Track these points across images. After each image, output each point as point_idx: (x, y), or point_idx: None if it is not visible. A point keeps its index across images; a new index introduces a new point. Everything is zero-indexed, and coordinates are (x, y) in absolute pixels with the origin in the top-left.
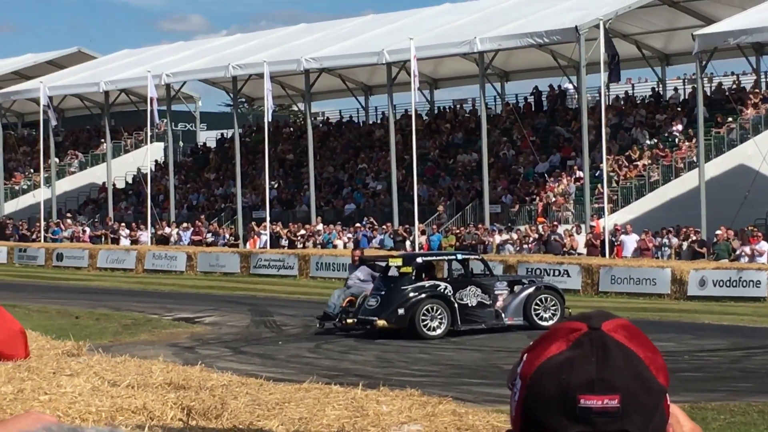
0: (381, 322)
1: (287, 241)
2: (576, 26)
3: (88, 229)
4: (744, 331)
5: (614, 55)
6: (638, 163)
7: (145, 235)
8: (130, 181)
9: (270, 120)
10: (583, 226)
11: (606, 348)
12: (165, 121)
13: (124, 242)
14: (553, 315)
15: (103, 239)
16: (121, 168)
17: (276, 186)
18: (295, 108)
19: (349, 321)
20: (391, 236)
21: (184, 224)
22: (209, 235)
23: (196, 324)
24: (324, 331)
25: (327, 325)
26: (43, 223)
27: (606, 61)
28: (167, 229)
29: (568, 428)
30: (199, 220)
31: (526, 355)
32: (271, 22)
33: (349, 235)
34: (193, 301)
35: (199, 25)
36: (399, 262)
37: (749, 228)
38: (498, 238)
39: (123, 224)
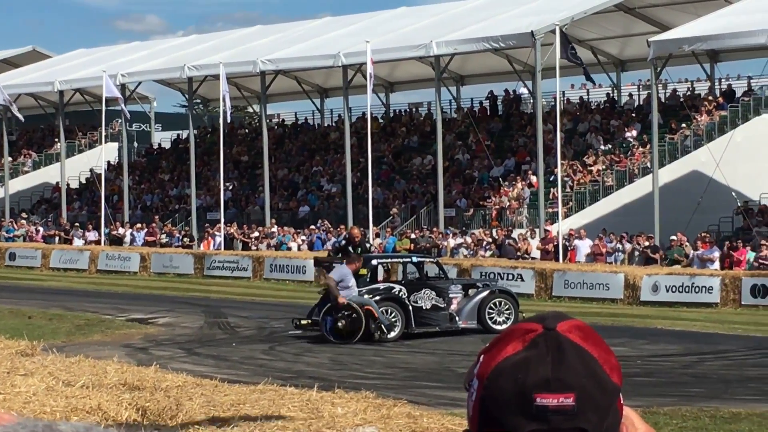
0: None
1: (241, 243)
2: (532, 31)
3: (41, 229)
4: (696, 337)
5: (574, 56)
6: (592, 168)
7: (91, 235)
8: (84, 182)
9: (228, 121)
10: (537, 230)
11: (561, 348)
12: (119, 121)
13: (78, 242)
14: (507, 319)
15: (56, 239)
16: (75, 168)
17: (230, 187)
18: (250, 110)
19: (303, 322)
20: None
21: (138, 225)
22: (163, 236)
23: (150, 325)
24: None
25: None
26: None
27: (565, 66)
28: (121, 230)
29: (525, 426)
30: (153, 221)
31: (482, 356)
32: (228, 24)
33: (303, 237)
34: (146, 301)
35: (156, 25)
36: None
37: (702, 234)
38: (452, 242)
39: (77, 224)
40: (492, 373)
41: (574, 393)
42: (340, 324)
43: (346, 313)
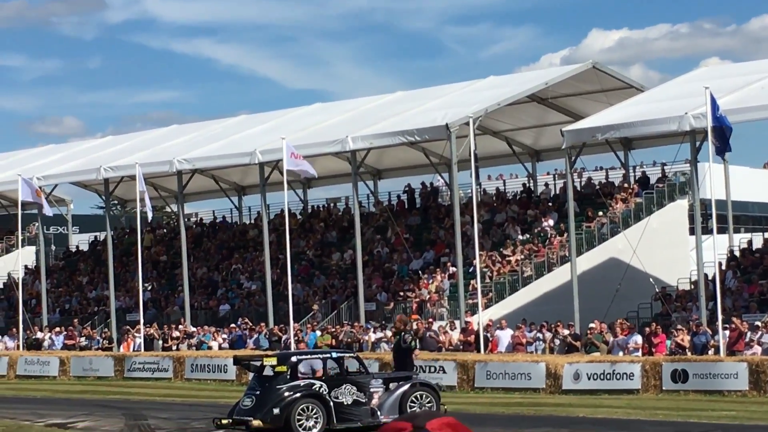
0: (256, 423)
1: (162, 344)
2: (447, 124)
3: None
4: (618, 424)
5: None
6: (511, 258)
7: (10, 341)
8: (2, 286)
9: (150, 221)
10: (457, 322)
11: None
12: (36, 224)
13: None
14: None
15: None
16: None
17: (150, 288)
18: (168, 209)
19: (224, 421)
20: (267, 336)
21: (57, 328)
22: (82, 339)
23: (69, 430)
24: None
25: None
26: None
27: (482, 157)
28: (39, 334)
29: None
30: (72, 324)
31: None
32: (146, 124)
33: (224, 336)
34: (65, 406)
35: (74, 128)
36: (274, 361)
37: (621, 321)
38: (373, 336)
39: None
40: None
41: None
42: None
43: None
